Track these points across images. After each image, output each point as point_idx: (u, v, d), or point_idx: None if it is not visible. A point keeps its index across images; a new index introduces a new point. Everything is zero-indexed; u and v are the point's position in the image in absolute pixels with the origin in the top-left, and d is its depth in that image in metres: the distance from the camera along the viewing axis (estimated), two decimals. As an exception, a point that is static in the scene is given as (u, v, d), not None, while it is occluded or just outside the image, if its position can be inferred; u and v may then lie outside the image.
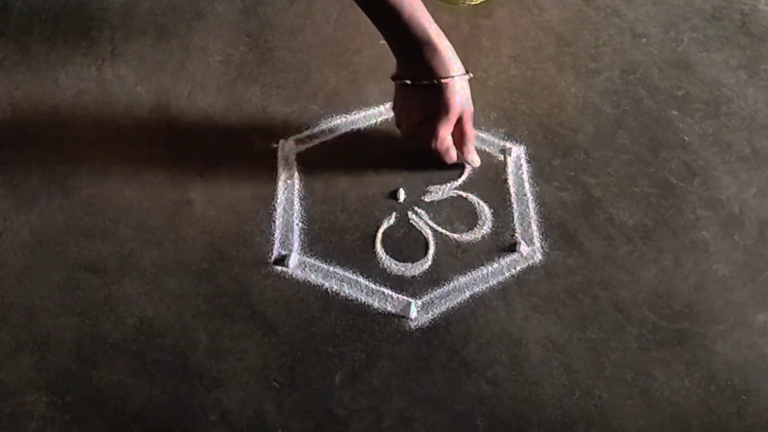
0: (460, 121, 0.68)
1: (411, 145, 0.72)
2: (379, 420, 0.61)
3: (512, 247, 0.68)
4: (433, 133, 0.68)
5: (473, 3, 0.78)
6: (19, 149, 0.75)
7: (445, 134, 0.69)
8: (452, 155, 0.70)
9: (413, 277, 0.67)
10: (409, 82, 0.67)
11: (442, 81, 0.65)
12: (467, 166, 0.73)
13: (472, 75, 0.68)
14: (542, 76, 0.77)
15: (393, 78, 0.69)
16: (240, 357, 0.64)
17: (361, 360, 0.63)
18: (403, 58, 0.67)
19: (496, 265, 0.68)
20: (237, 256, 0.68)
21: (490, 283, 0.67)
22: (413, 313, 0.65)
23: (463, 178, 0.72)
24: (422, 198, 0.72)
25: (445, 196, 0.72)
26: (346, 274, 0.68)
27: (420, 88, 0.66)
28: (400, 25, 0.64)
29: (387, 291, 0.66)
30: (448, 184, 0.72)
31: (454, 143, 0.70)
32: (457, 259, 0.68)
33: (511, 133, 0.74)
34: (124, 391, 0.62)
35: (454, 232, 0.70)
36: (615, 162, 0.72)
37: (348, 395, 0.62)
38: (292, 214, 0.71)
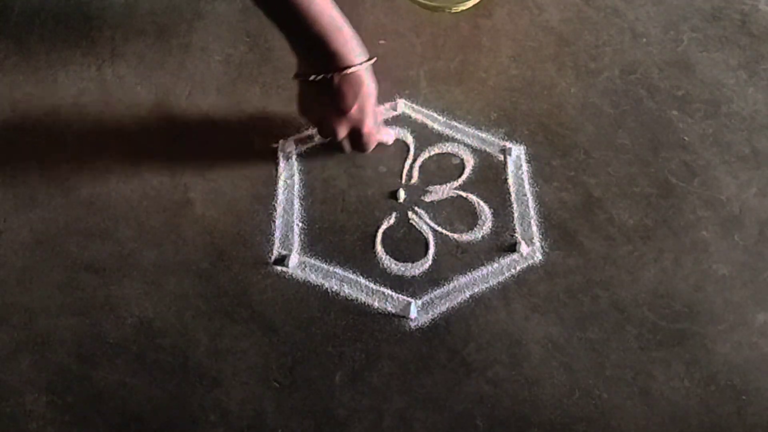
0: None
1: (337, 140, 0.70)
2: (379, 420, 0.61)
3: (512, 247, 0.68)
4: (363, 121, 0.67)
5: (456, 11, 0.77)
6: (19, 149, 0.75)
7: (372, 118, 0.68)
8: (377, 138, 0.70)
9: (413, 277, 0.67)
10: (302, 78, 0.65)
11: (329, 76, 0.63)
12: (466, 165, 0.73)
13: (374, 59, 0.66)
14: (542, 76, 0.77)
15: (294, 76, 0.67)
16: (240, 357, 0.64)
17: (361, 360, 0.63)
18: (310, 51, 0.64)
19: (496, 265, 0.68)
20: (237, 256, 0.68)
21: (490, 283, 0.67)
22: (413, 313, 0.65)
23: (463, 178, 0.72)
24: (422, 198, 0.72)
25: (445, 196, 0.72)
26: (346, 274, 0.68)
27: (340, 80, 0.64)
28: (307, 17, 0.61)
29: (387, 291, 0.67)
30: (448, 184, 0.72)
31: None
32: (457, 259, 0.68)
33: (511, 133, 0.74)
34: (124, 391, 0.62)
35: (454, 232, 0.70)
36: (615, 162, 0.72)
37: (348, 395, 0.62)
38: (292, 214, 0.71)
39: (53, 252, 0.69)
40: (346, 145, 0.71)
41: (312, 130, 0.75)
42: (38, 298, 0.67)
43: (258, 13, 0.63)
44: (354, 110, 0.66)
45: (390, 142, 0.74)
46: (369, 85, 0.65)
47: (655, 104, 0.75)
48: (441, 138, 0.75)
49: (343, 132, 0.68)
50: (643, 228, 0.69)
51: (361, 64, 0.63)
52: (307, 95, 0.68)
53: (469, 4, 0.77)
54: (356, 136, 0.69)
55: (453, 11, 0.77)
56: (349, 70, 0.63)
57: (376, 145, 0.72)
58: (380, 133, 0.71)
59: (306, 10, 0.60)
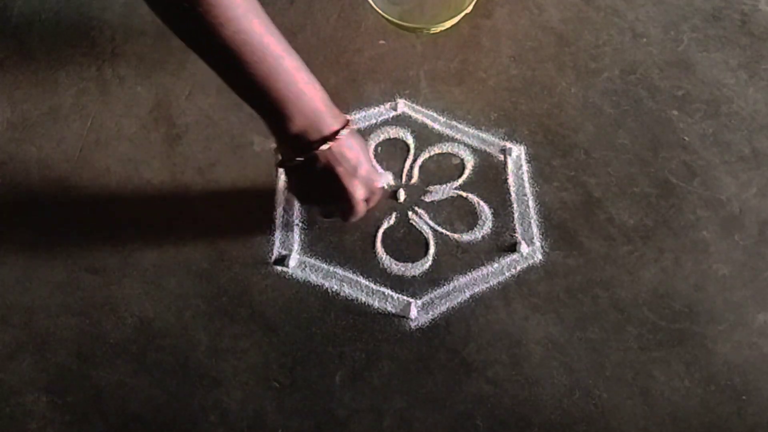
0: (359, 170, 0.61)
1: (328, 213, 0.68)
2: (379, 420, 0.61)
3: (512, 247, 0.68)
4: (349, 195, 0.60)
5: (434, 31, 0.78)
6: (19, 149, 0.75)
7: (359, 190, 0.61)
8: (365, 207, 0.64)
9: (413, 277, 0.67)
10: (288, 165, 0.59)
11: (316, 153, 0.57)
12: (466, 165, 0.73)
13: (353, 125, 0.60)
14: (542, 76, 0.77)
15: (278, 165, 0.62)
16: (240, 357, 0.64)
17: (362, 360, 0.63)
18: (283, 135, 0.58)
19: (496, 265, 0.68)
20: (237, 256, 0.68)
21: (491, 283, 0.67)
22: (413, 313, 0.65)
23: (464, 178, 0.72)
24: (422, 198, 0.72)
25: (445, 196, 0.72)
26: (346, 274, 0.68)
27: (301, 167, 0.58)
28: (272, 113, 0.56)
29: (387, 291, 0.67)
30: (448, 184, 0.72)
31: None
32: (457, 259, 0.68)
33: (511, 133, 0.74)
34: (124, 391, 0.62)
35: (455, 232, 0.70)
36: (615, 162, 0.72)
37: (348, 395, 0.62)
38: (292, 214, 0.71)
39: (53, 252, 0.69)
40: (331, 216, 0.68)
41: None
42: (38, 298, 0.67)
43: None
44: (337, 187, 0.60)
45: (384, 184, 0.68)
46: (350, 156, 0.58)
47: (655, 104, 0.75)
48: (441, 138, 0.75)
49: (329, 208, 0.64)
50: (643, 228, 0.69)
51: (340, 131, 0.58)
52: (291, 177, 0.63)
53: (448, 25, 0.77)
54: (347, 210, 0.63)
55: (432, 32, 0.77)
56: (321, 149, 0.57)
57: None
58: (373, 202, 0.65)
59: (267, 93, 0.54)
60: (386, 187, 0.70)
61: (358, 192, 0.61)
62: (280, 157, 0.61)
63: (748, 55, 0.78)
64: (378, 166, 0.72)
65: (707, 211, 0.69)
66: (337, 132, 0.58)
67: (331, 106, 0.58)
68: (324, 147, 0.57)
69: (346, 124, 0.59)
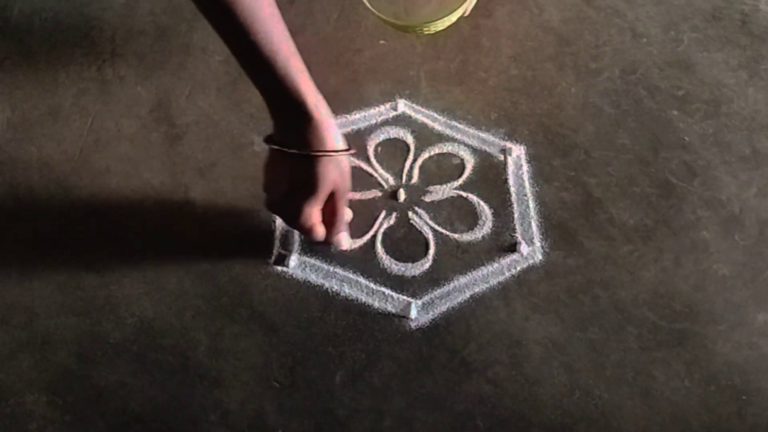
0: (331, 198, 0.62)
1: (274, 213, 0.67)
2: (380, 420, 0.61)
3: (512, 247, 0.68)
4: (296, 208, 0.61)
5: (430, 32, 0.77)
6: (19, 149, 0.75)
7: (309, 212, 0.61)
8: (317, 234, 0.64)
9: (413, 277, 0.67)
10: (277, 147, 0.60)
11: (313, 154, 0.59)
12: (466, 165, 0.73)
13: (354, 151, 0.62)
14: (542, 76, 0.77)
15: (265, 140, 0.62)
16: (240, 357, 0.64)
17: (362, 360, 0.63)
18: (277, 119, 0.61)
19: (496, 265, 0.68)
20: (237, 256, 0.68)
21: (491, 283, 0.67)
22: (413, 313, 0.65)
23: (464, 178, 0.72)
24: (422, 198, 0.72)
25: (445, 196, 0.72)
26: (346, 274, 0.68)
27: (289, 156, 0.59)
28: (272, 82, 0.58)
29: (387, 291, 0.67)
30: (448, 184, 0.72)
31: (324, 221, 0.64)
32: (458, 259, 0.68)
33: (511, 133, 0.74)
34: (125, 391, 0.62)
35: (455, 232, 0.70)
36: (615, 162, 0.72)
37: (348, 395, 0.62)
38: (293, 214, 0.71)
39: (53, 252, 0.69)
40: (281, 216, 0.67)
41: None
42: (38, 298, 0.67)
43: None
44: (288, 193, 0.61)
45: (341, 247, 0.68)
46: (319, 178, 0.60)
47: (656, 104, 0.75)
48: (441, 138, 0.75)
49: (272, 206, 0.64)
50: (643, 228, 0.69)
51: (329, 151, 0.59)
52: (269, 156, 0.63)
53: (442, 26, 0.76)
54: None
55: (425, 32, 0.77)
56: (314, 153, 0.59)
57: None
58: (332, 237, 0.66)
59: (269, 80, 0.58)
60: (347, 247, 0.68)
61: (315, 214, 0.62)
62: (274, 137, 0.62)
63: (748, 55, 0.78)
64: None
65: (707, 211, 0.69)
66: (346, 150, 0.61)
67: (337, 132, 0.61)
68: (316, 154, 0.59)
69: (347, 149, 0.61)
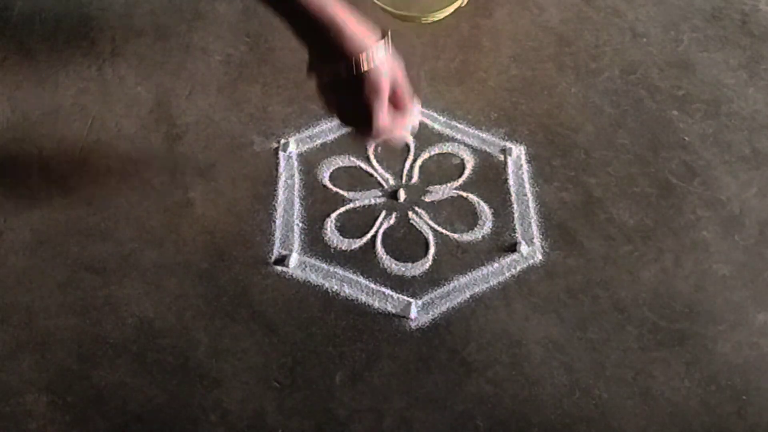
0: (394, 90, 0.62)
1: (351, 126, 0.65)
2: (380, 420, 0.61)
3: (512, 247, 0.68)
4: (371, 113, 0.61)
5: (426, 21, 0.77)
6: (19, 149, 0.75)
7: (384, 111, 0.61)
8: (397, 128, 0.63)
9: (413, 277, 0.67)
10: (326, 76, 0.60)
11: (356, 61, 0.58)
12: (466, 165, 0.73)
13: (388, 37, 0.61)
14: (542, 76, 0.77)
15: (312, 71, 0.62)
16: (240, 357, 0.64)
17: (362, 360, 0.63)
18: (306, 44, 0.60)
19: (496, 265, 0.68)
20: (237, 256, 0.68)
21: (491, 283, 0.67)
22: (413, 313, 0.65)
23: (464, 178, 0.72)
24: (422, 198, 0.72)
25: (445, 196, 0.72)
26: (346, 274, 0.68)
27: (339, 76, 0.60)
28: (295, 10, 0.58)
29: (387, 291, 0.66)
30: (448, 184, 0.72)
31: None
32: (458, 259, 0.68)
33: (511, 133, 0.74)
34: (125, 391, 0.62)
35: (455, 232, 0.70)
36: (615, 162, 0.72)
37: (348, 395, 0.62)
38: (292, 214, 0.71)
39: (53, 252, 0.69)
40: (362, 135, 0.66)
41: (316, 129, 0.72)
42: (38, 298, 0.67)
43: (258, 13, 0.63)
44: (356, 107, 0.60)
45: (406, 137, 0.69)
46: (374, 78, 0.60)
47: (656, 104, 0.75)
48: (441, 138, 0.75)
49: (350, 123, 0.63)
50: (643, 228, 0.69)
51: (374, 54, 0.59)
52: (317, 84, 0.63)
53: (440, 16, 0.76)
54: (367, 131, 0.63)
55: (424, 21, 0.77)
56: (358, 60, 0.58)
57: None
58: (399, 124, 0.64)
59: (309, 6, 0.57)
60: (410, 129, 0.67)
61: (380, 112, 0.61)
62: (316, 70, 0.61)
63: (748, 55, 0.78)
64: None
65: (707, 211, 0.69)
66: (378, 53, 0.60)
67: (366, 27, 0.60)
68: (358, 60, 0.58)
69: (382, 38, 0.61)
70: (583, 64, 0.78)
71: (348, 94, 0.61)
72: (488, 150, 0.74)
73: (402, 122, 0.64)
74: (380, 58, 0.61)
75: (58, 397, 0.62)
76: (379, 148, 0.74)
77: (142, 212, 0.71)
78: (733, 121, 0.74)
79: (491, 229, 0.70)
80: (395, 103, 0.63)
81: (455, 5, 0.75)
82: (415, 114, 0.65)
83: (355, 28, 0.60)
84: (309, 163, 0.74)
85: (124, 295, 0.67)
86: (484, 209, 0.71)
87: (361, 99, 0.61)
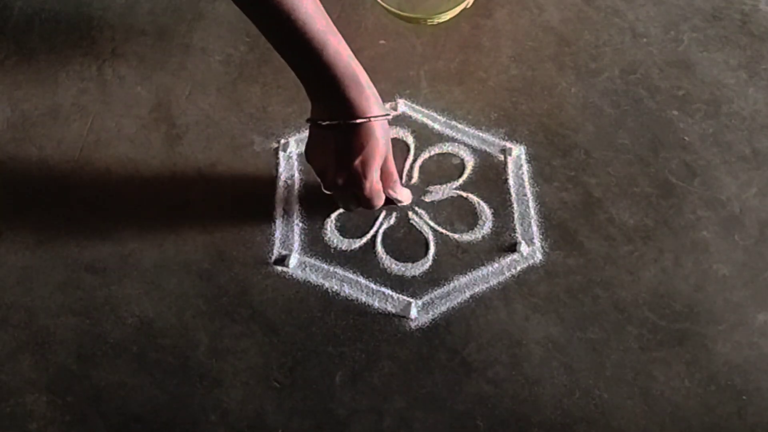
0: (384, 161, 0.64)
1: (340, 194, 0.66)
2: (380, 420, 0.61)
3: (512, 247, 0.68)
4: (363, 177, 0.62)
5: (432, 23, 0.77)
6: (19, 149, 0.75)
7: (377, 176, 0.63)
8: (382, 197, 0.65)
9: (413, 277, 0.67)
10: (325, 123, 0.61)
11: (372, 120, 0.60)
12: (466, 165, 0.73)
13: (393, 113, 0.64)
14: (542, 76, 0.77)
15: (311, 121, 0.63)
16: (240, 357, 0.64)
17: (362, 360, 0.63)
18: (323, 97, 0.61)
19: (496, 265, 0.68)
20: (237, 256, 0.68)
21: (491, 283, 0.67)
22: (413, 313, 0.65)
23: (464, 178, 0.72)
24: (422, 198, 0.72)
25: (445, 196, 0.72)
26: (346, 274, 0.68)
27: (347, 129, 0.60)
28: (322, 62, 0.59)
29: (387, 291, 0.67)
30: (449, 184, 0.72)
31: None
32: (458, 259, 0.68)
33: (511, 133, 0.74)
34: (125, 391, 0.62)
35: (455, 232, 0.70)
36: (615, 162, 0.72)
37: (348, 395, 0.62)
38: (292, 214, 0.71)
39: (53, 252, 0.69)
40: (346, 202, 0.67)
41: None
42: (38, 298, 0.67)
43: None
44: (356, 164, 0.61)
45: (407, 201, 0.70)
46: (379, 141, 0.61)
47: (656, 104, 0.75)
48: (441, 138, 0.75)
49: (340, 183, 0.63)
50: (643, 228, 0.69)
51: (373, 118, 0.60)
52: (315, 140, 0.64)
53: (447, 17, 0.76)
54: (357, 193, 0.64)
55: (429, 23, 0.77)
56: (359, 121, 0.60)
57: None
58: (396, 192, 0.67)
59: (320, 55, 0.58)
60: (403, 201, 0.70)
61: (375, 174, 0.62)
62: (314, 117, 0.63)
63: (748, 55, 0.78)
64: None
65: (707, 211, 0.69)
66: (382, 115, 0.61)
67: (378, 99, 0.62)
68: (358, 121, 0.60)
69: (384, 114, 0.62)
70: (583, 64, 0.78)
71: (338, 151, 0.61)
72: (488, 150, 0.74)
73: (394, 188, 0.66)
74: (384, 124, 0.62)
75: (58, 397, 0.62)
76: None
77: (142, 212, 0.71)
78: (733, 121, 0.74)
79: (491, 229, 0.70)
80: (382, 177, 0.64)
81: (461, 6, 0.75)
82: (405, 195, 0.69)
83: (372, 92, 0.61)
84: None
85: (124, 295, 0.67)
86: (484, 209, 0.71)
87: (356, 162, 0.61)
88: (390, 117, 0.63)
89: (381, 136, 0.61)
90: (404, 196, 0.69)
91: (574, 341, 0.64)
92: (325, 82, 0.59)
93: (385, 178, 0.65)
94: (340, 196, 0.66)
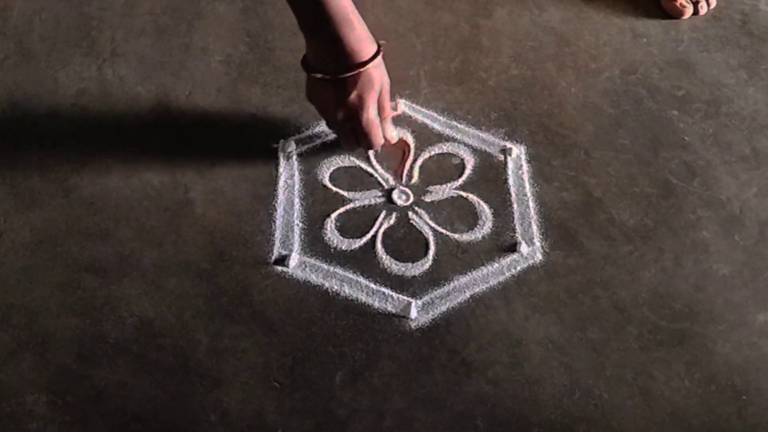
0: (379, 97, 0.67)
1: (340, 130, 0.69)
2: (380, 420, 0.61)
3: (512, 247, 0.68)
4: (362, 107, 0.65)
5: None
6: (20, 149, 0.75)
7: (374, 114, 0.66)
8: (379, 135, 0.68)
9: (413, 277, 0.67)
10: (318, 76, 0.64)
11: (366, 63, 0.63)
12: (466, 165, 0.73)
13: (384, 43, 0.65)
14: (542, 76, 0.77)
15: (307, 69, 0.66)
16: (240, 357, 0.64)
17: (362, 360, 0.63)
18: (316, 35, 0.63)
19: (496, 265, 0.68)
20: (237, 256, 0.68)
21: (491, 283, 0.67)
22: (413, 313, 0.65)
23: (464, 178, 0.72)
24: (422, 198, 0.72)
25: (445, 196, 0.72)
26: (346, 274, 0.68)
27: (348, 78, 0.64)
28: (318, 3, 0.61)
29: (387, 291, 0.67)
30: (449, 184, 0.72)
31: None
32: (458, 259, 0.68)
33: (511, 133, 0.74)
34: (125, 391, 0.62)
35: (455, 232, 0.70)
36: (615, 162, 0.72)
37: (348, 395, 0.62)
38: (292, 214, 0.71)
39: (53, 252, 0.69)
40: (349, 140, 0.70)
41: (316, 129, 0.74)
42: (38, 298, 0.67)
43: (258, 13, 0.63)
44: (353, 97, 0.64)
45: (392, 140, 0.72)
46: (371, 75, 0.64)
47: (656, 104, 0.75)
48: (441, 138, 0.75)
49: (340, 116, 0.66)
50: (643, 228, 0.69)
51: (368, 61, 0.63)
52: (312, 80, 0.67)
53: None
54: (356, 127, 0.67)
55: None
56: (355, 72, 0.62)
57: (384, 147, 0.72)
58: (385, 128, 0.69)
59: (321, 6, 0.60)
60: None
61: (372, 107, 0.66)
62: (312, 67, 0.65)
63: (748, 55, 0.78)
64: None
65: (707, 211, 0.69)
66: (374, 56, 0.64)
67: (369, 36, 0.64)
68: (354, 72, 0.62)
69: (379, 48, 0.64)
70: (583, 64, 0.78)
71: (339, 90, 0.64)
72: (488, 150, 0.74)
73: (385, 127, 0.69)
74: (379, 61, 0.64)
75: (58, 397, 0.62)
76: (380, 148, 0.74)
77: (142, 212, 0.71)
78: (733, 121, 0.74)
79: (491, 229, 0.70)
80: (378, 110, 0.67)
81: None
82: (389, 131, 0.71)
83: (363, 31, 0.63)
84: (309, 163, 0.74)
85: (124, 295, 0.67)
86: (484, 209, 0.71)
87: (353, 96, 0.64)
88: (383, 48, 0.65)
89: (373, 71, 0.64)
90: (389, 132, 0.71)
91: (574, 341, 0.64)
92: (317, 18, 0.61)
93: (380, 110, 0.67)
94: (341, 132, 0.69)
